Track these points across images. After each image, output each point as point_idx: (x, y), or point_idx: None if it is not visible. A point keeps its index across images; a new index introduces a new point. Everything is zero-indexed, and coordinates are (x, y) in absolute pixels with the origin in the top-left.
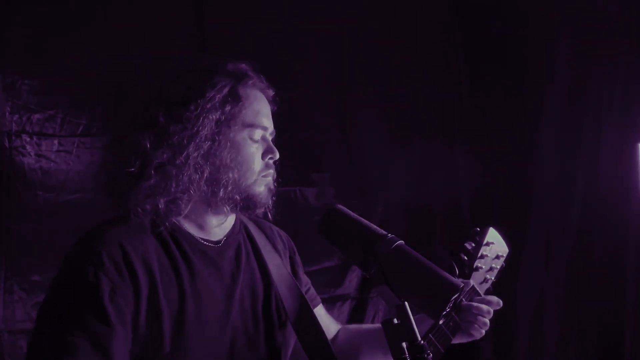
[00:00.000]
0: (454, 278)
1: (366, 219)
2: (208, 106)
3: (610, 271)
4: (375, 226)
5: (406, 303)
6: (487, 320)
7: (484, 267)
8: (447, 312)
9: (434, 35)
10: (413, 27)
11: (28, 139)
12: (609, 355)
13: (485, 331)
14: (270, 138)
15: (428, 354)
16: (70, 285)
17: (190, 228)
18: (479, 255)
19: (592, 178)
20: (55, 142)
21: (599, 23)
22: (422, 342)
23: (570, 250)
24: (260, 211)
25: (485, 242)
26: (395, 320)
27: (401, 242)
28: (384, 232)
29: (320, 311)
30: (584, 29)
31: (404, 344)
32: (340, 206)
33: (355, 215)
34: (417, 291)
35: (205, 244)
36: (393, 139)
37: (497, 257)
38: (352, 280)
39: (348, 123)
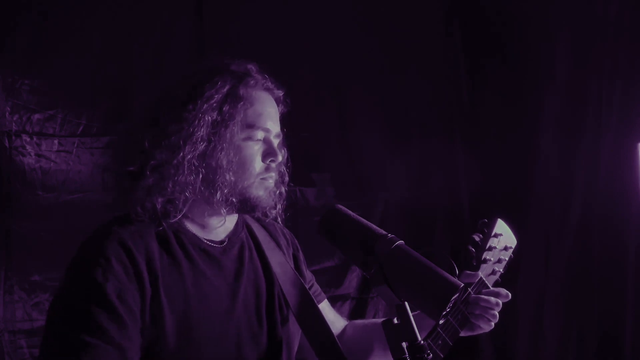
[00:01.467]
0: (454, 278)
1: (366, 219)
2: (205, 106)
3: (610, 271)
4: (375, 226)
5: (406, 303)
6: (496, 313)
7: (492, 259)
8: (447, 311)
9: (434, 35)
10: (413, 27)
11: (28, 139)
12: (609, 356)
13: (484, 331)
14: (276, 141)
15: (428, 354)
16: (80, 287)
17: (193, 228)
18: (487, 247)
19: (592, 178)
20: (55, 142)
21: (599, 23)
22: (422, 342)
23: (570, 250)
24: (270, 213)
25: (493, 233)
26: (395, 320)
27: (401, 242)
28: (384, 232)
29: (325, 307)
30: (583, 29)
31: (404, 344)
32: (340, 206)
33: (355, 215)
34: (417, 291)
35: (208, 244)
36: (393, 139)
37: (506, 248)
38: (352, 280)
39: (348, 123)
